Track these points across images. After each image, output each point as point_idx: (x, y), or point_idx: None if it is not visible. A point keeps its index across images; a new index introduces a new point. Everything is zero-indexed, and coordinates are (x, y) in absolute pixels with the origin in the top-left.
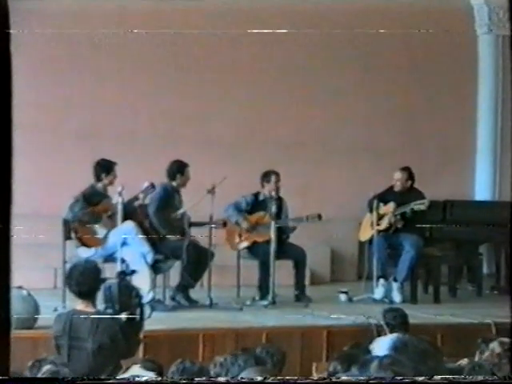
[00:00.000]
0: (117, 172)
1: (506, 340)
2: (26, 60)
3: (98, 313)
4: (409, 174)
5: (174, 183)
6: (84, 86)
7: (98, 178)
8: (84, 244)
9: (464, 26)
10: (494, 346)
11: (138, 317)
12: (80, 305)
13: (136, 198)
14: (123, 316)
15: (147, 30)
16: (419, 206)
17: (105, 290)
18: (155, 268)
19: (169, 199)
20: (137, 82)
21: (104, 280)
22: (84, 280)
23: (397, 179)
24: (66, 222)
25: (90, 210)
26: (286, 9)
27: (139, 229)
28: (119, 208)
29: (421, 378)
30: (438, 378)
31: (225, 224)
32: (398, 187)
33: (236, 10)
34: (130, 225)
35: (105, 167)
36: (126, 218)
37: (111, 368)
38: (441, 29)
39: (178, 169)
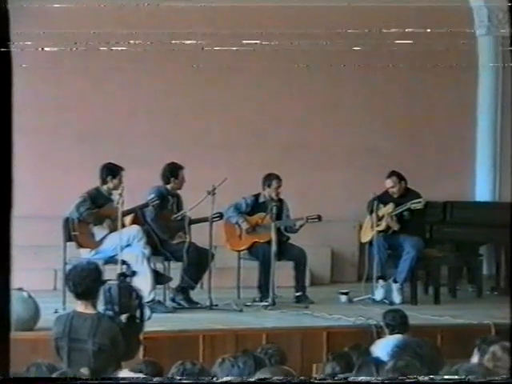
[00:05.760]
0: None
1: (508, 344)
2: (26, 63)
3: (98, 314)
4: (397, 176)
5: (169, 186)
6: (84, 88)
7: (104, 181)
8: (78, 243)
9: (463, 27)
10: (495, 349)
11: (138, 318)
12: (80, 306)
13: (146, 205)
14: (123, 317)
15: (146, 30)
16: (416, 204)
17: (105, 292)
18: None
19: (163, 203)
20: (136, 83)
21: (104, 282)
22: (81, 281)
23: (390, 186)
24: (67, 222)
25: (96, 212)
26: (288, 12)
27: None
28: (119, 209)
29: (422, 379)
30: (439, 378)
31: (221, 216)
32: (395, 194)
33: (239, 12)
34: (135, 228)
35: (111, 171)
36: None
37: (111, 370)
38: (440, 30)
39: (172, 172)
